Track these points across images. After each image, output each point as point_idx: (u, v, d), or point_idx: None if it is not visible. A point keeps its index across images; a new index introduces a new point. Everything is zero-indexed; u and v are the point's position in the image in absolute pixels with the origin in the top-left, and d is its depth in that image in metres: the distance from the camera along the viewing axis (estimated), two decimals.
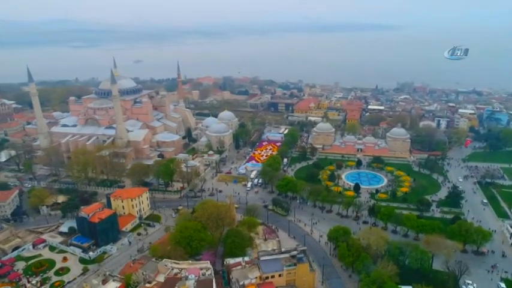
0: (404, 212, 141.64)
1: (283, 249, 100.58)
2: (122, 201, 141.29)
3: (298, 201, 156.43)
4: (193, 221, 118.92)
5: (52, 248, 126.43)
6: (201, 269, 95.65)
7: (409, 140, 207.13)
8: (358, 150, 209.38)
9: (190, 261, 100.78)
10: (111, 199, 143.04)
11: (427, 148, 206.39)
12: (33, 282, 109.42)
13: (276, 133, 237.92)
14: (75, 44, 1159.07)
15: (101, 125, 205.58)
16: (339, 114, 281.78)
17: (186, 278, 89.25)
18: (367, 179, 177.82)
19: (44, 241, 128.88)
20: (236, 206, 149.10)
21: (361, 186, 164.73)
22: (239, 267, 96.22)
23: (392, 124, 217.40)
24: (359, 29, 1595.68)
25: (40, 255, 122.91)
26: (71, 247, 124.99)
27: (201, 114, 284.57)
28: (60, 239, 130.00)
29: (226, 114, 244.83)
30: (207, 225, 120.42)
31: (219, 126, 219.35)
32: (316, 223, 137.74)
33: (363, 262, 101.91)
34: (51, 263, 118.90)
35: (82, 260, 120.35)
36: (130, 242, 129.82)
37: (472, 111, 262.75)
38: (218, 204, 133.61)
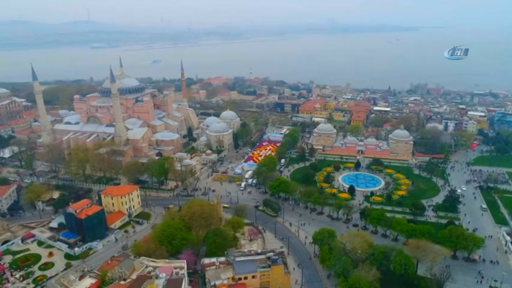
0: (398, 215, 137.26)
1: (259, 251, 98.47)
2: (112, 199, 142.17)
3: (290, 202, 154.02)
4: (177, 220, 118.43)
5: (40, 243, 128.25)
6: (175, 268, 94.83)
7: (412, 142, 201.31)
8: (359, 152, 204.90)
9: (167, 260, 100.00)
10: (102, 196, 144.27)
11: (431, 151, 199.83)
12: (17, 276, 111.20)
13: (277, 133, 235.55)
14: (96, 45, 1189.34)
15: (102, 123, 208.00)
16: (344, 116, 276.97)
17: (157, 276, 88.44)
18: (365, 181, 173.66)
19: (33, 236, 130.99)
20: (226, 206, 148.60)
21: (356, 189, 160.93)
22: (213, 267, 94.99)
23: (395, 126, 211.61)
24: (379, 31, 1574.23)
25: (28, 249, 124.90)
26: (58, 242, 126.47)
27: (206, 113, 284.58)
28: (48, 234, 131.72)
29: (228, 113, 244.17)
30: (191, 224, 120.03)
31: (219, 126, 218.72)
32: (304, 224, 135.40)
33: (343, 266, 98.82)
34: (37, 257, 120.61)
35: (67, 256, 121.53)
36: (117, 239, 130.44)
37: (483, 114, 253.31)
38: (205, 203, 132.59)
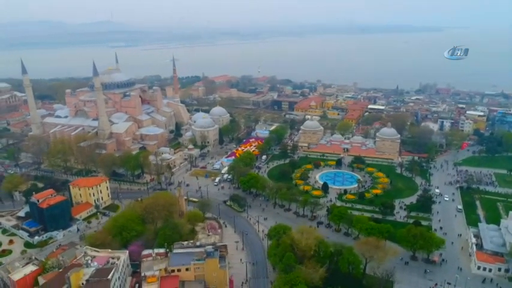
0: (367, 214, 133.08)
1: (197, 243, 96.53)
2: (79, 190, 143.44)
3: (261, 198, 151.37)
4: (129, 211, 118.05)
5: (4, 231, 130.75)
6: (113, 258, 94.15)
7: (399, 141, 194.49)
8: (344, 149, 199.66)
9: (109, 250, 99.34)
10: (71, 187, 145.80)
11: (418, 150, 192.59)
12: None
13: (265, 130, 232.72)
14: (116, 44, 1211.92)
15: (88, 116, 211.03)
16: (338, 114, 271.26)
17: (88, 265, 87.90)
18: (342, 179, 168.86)
19: None
20: (194, 200, 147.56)
21: (330, 186, 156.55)
22: (150, 258, 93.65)
23: (385, 124, 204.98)
24: (400, 31, 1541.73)
25: None
26: (20, 231, 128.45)
27: (201, 110, 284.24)
28: (14, 222, 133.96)
29: (217, 110, 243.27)
30: (147, 216, 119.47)
31: (204, 121, 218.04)
32: (266, 219, 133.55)
33: (286, 262, 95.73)
34: None
35: (27, 244, 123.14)
36: (79, 229, 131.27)
37: (482, 113, 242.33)
38: (168, 196, 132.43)
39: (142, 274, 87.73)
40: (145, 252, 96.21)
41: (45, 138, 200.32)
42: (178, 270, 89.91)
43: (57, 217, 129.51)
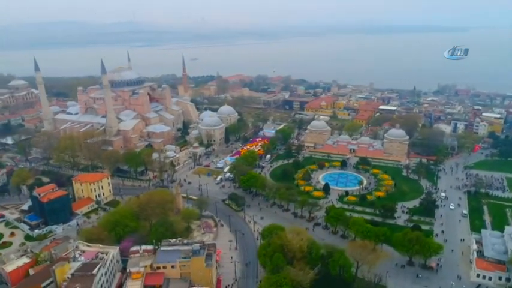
0: (367, 217, 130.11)
1: (185, 241, 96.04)
2: (81, 185, 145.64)
3: (260, 198, 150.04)
4: (124, 207, 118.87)
5: (8, 224, 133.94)
6: (102, 253, 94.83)
7: (407, 143, 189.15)
8: (350, 150, 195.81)
9: (100, 245, 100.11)
10: (73, 182, 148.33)
11: (427, 152, 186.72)
12: None
13: (272, 130, 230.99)
14: (137, 44, 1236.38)
15: (98, 113, 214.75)
16: (349, 114, 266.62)
17: (74, 259, 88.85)
18: (346, 180, 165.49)
19: (2, 216, 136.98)
20: (194, 197, 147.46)
21: (332, 188, 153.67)
22: (137, 254, 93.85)
23: (394, 125, 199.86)
24: (424, 31, 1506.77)
25: None
26: (22, 224, 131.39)
27: (211, 109, 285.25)
28: (16, 215, 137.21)
29: (225, 108, 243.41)
30: (142, 212, 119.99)
31: (210, 120, 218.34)
32: (262, 218, 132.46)
33: (274, 262, 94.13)
34: None
35: (27, 237, 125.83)
36: (78, 224, 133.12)
37: (498, 115, 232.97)
38: (166, 193, 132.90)
39: (128, 270, 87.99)
40: (134, 248, 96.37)
41: (55, 134, 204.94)
42: (164, 268, 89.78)
43: (58, 211, 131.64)
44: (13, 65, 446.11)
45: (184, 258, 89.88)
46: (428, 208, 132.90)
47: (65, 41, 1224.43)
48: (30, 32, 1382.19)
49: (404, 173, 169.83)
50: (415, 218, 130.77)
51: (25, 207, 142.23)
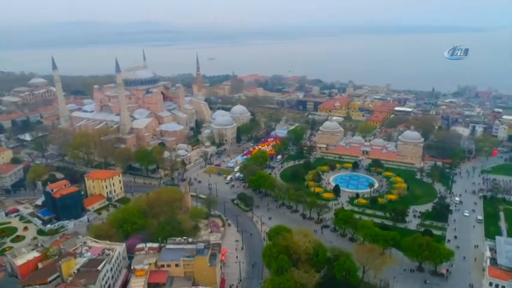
0: (377, 220, 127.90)
1: (190, 240, 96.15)
2: (93, 182, 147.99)
3: (269, 198, 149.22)
4: (132, 205, 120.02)
5: (22, 218, 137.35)
6: (109, 249, 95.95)
7: (422, 145, 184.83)
8: (363, 152, 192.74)
9: (108, 242, 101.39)
10: (86, 179, 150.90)
11: (442, 155, 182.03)
12: None
13: (285, 130, 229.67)
14: (153, 43, 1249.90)
15: (112, 111, 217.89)
16: (363, 115, 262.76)
17: (81, 255, 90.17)
18: (357, 182, 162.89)
19: (17, 210, 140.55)
20: (202, 196, 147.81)
21: (342, 190, 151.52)
22: (143, 252, 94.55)
23: (409, 127, 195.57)
24: (442, 31, 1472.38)
25: (9, 222, 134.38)
26: (35, 218, 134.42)
27: (224, 108, 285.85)
28: (30, 210, 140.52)
29: (238, 108, 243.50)
30: (150, 210, 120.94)
31: (222, 119, 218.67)
32: (270, 218, 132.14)
33: (278, 264, 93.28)
34: (13, 230, 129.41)
35: (40, 231, 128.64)
36: (89, 220, 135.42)
37: None
38: (174, 191, 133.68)
39: (132, 267, 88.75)
40: (139, 246, 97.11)
41: (71, 131, 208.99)
42: (168, 266, 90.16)
43: (69, 207, 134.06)
44: (35, 63, 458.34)
45: (188, 257, 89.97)
46: (441, 213, 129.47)
47: (85, 40, 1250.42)
48: (51, 31, 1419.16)
49: (418, 176, 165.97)
50: (427, 222, 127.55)
51: (39, 202, 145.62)
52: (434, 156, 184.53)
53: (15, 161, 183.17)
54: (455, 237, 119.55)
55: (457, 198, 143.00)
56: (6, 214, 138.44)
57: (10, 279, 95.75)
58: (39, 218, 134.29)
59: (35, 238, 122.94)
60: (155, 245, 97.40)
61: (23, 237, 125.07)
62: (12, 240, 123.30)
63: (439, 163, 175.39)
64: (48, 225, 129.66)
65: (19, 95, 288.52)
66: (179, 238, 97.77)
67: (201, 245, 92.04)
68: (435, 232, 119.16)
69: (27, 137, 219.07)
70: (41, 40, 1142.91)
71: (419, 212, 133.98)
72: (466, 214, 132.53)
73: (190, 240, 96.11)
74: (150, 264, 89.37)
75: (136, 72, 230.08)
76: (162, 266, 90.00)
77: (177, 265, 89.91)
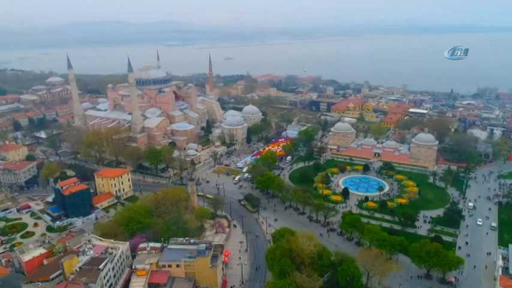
0: (385, 224, 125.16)
1: (192, 241, 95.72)
2: (102, 180, 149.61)
3: (276, 199, 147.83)
4: (139, 204, 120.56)
5: (33, 214, 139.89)
6: (112, 248, 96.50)
7: (436, 148, 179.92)
8: (375, 154, 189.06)
9: (112, 240, 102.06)
10: (95, 177, 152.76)
11: (457, 159, 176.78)
12: (2, 239, 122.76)
13: (295, 131, 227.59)
14: (172, 43, 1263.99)
15: (125, 110, 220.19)
16: (377, 117, 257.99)
17: (84, 253, 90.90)
18: (367, 185, 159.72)
19: (29, 207, 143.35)
20: (210, 196, 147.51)
21: (352, 192, 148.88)
22: (145, 251, 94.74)
23: (423, 129, 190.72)
24: (468, 31, 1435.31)
25: (20, 218, 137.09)
26: (45, 215, 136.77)
27: (236, 108, 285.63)
28: (41, 207, 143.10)
29: (249, 108, 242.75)
30: (155, 209, 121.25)
31: (233, 119, 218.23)
32: (276, 220, 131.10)
33: (281, 267, 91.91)
34: (24, 226, 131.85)
35: (49, 228, 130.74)
36: (97, 218, 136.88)
37: None
38: (180, 191, 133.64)
39: (133, 266, 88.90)
40: (142, 245, 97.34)
41: (84, 130, 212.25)
42: (169, 266, 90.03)
43: (78, 204, 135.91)
44: (56, 63, 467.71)
45: (190, 257, 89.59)
46: (453, 218, 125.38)
47: (109, 39, 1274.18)
48: (78, 30, 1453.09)
49: (431, 180, 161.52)
50: (437, 228, 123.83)
51: (49, 199, 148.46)
52: (449, 160, 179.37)
53: (29, 158, 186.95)
54: (467, 243, 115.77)
55: (470, 204, 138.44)
56: (18, 210, 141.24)
57: (16, 275, 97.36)
58: (48, 214, 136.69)
59: (43, 234, 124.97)
60: (157, 244, 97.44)
61: (33, 233, 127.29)
62: (22, 236, 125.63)
63: (454, 167, 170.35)
64: (57, 222, 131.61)
65: (37, 93, 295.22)
66: (181, 238, 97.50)
67: (202, 246, 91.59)
68: (446, 238, 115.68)
69: (42, 134, 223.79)
70: (68, 40, 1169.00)
71: (430, 217, 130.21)
72: (479, 222, 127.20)
73: (192, 241, 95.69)
74: (151, 264, 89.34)
75: (149, 72, 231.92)
76: (163, 266, 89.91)
77: (178, 266, 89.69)
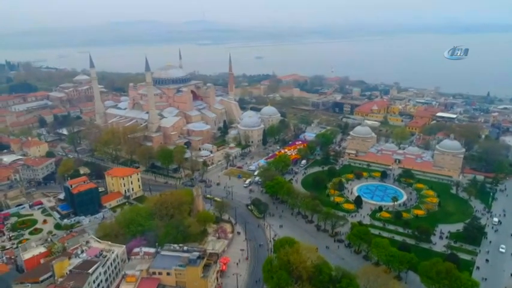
0: (398, 237, 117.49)
1: (185, 248, 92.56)
2: (112, 179, 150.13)
3: (285, 205, 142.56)
4: (139, 206, 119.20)
5: (44, 211, 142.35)
6: (107, 251, 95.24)
7: (462, 156, 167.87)
8: (395, 161, 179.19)
9: (109, 243, 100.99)
10: (106, 176, 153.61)
11: (485, 168, 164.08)
12: (11, 235, 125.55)
13: (314, 133, 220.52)
14: (204, 42, 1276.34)
15: (143, 109, 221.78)
16: (402, 121, 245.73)
17: (77, 255, 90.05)
18: (383, 194, 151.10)
19: (41, 203, 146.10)
20: (218, 199, 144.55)
21: (365, 201, 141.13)
22: (138, 256, 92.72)
23: (449, 135, 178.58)
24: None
25: (32, 215, 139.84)
26: (54, 212, 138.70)
27: (256, 108, 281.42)
28: (52, 204, 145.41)
29: (268, 109, 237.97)
30: (157, 212, 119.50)
31: (249, 120, 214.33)
32: (281, 226, 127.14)
33: (277, 280, 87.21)
34: (34, 222, 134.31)
35: (57, 225, 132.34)
36: (104, 217, 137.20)
37: None
38: (186, 193, 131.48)
39: (123, 272, 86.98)
40: (135, 250, 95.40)
41: (104, 128, 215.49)
42: (160, 273, 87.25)
43: (87, 203, 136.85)
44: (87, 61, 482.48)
45: (181, 266, 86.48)
46: (473, 234, 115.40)
47: (143, 39, 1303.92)
48: (116, 30, 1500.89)
49: (454, 191, 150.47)
50: (456, 244, 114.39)
51: (61, 196, 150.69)
52: (476, 169, 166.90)
53: (49, 154, 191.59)
54: (487, 261, 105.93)
55: (495, 219, 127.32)
56: (31, 206, 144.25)
57: (14, 273, 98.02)
58: (58, 212, 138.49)
59: (50, 232, 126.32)
60: (151, 250, 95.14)
61: (41, 230, 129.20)
62: (31, 233, 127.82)
63: (480, 177, 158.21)
64: (65, 220, 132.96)
65: (64, 90, 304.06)
66: (175, 245, 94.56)
67: (195, 255, 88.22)
68: (464, 256, 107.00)
69: (64, 131, 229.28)
70: (104, 39, 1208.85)
71: (449, 232, 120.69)
72: (502, 250, 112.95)
73: (185, 248, 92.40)
74: (142, 270, 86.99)
75: (169, 71, 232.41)
76: (154, 273, 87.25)
77: (168, 273, 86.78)
